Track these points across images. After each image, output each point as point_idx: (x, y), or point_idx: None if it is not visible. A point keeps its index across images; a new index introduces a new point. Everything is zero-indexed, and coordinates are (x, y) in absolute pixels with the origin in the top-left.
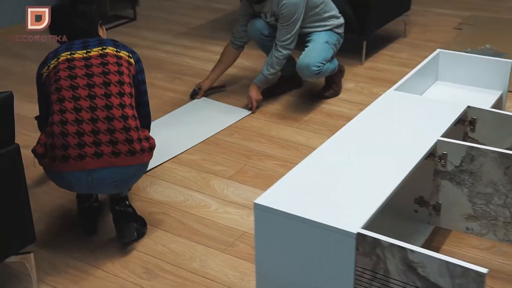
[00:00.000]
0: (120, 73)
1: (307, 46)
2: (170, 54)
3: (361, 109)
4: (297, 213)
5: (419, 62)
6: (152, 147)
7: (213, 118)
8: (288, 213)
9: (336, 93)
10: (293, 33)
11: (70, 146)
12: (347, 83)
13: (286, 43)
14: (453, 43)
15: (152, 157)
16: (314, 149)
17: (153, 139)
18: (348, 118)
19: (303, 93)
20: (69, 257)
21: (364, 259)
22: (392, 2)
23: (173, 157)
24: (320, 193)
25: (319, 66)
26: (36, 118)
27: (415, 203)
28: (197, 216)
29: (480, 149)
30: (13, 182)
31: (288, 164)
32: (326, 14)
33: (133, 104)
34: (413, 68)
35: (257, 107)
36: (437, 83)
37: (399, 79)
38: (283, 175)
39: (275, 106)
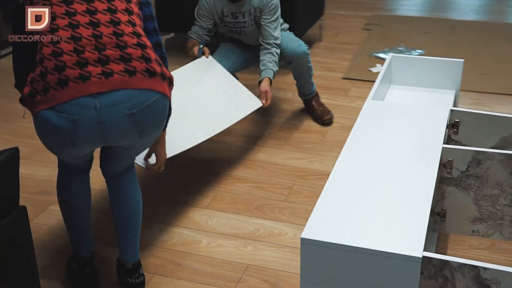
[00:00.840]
0: None
1: None
2: None
3: (311, 119)
4: (354, 243)
5: (344, 66)
6: (172, 81)
7: (224, 104)
8: (344, 245)
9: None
10: (280, 25)
11: (67, 66)
12: (285, 93)
13: (279, 39)
14: (368, 44)
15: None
16: (280, 165)
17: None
18: (303, 130)
19: None
20: None
21: (429, 282)
22: (312, 7)
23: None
24: (362, 219)
25: (306, 46)
26: (16, 84)
27: None
28: (190, 254)
29: (487, 153)
30: (20, 250)
31: (263, 185)
32: None
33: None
34: (340, 72)
35: None
36: (392, 87)
37: (333, 85)
38: (262, 197)
39: None
